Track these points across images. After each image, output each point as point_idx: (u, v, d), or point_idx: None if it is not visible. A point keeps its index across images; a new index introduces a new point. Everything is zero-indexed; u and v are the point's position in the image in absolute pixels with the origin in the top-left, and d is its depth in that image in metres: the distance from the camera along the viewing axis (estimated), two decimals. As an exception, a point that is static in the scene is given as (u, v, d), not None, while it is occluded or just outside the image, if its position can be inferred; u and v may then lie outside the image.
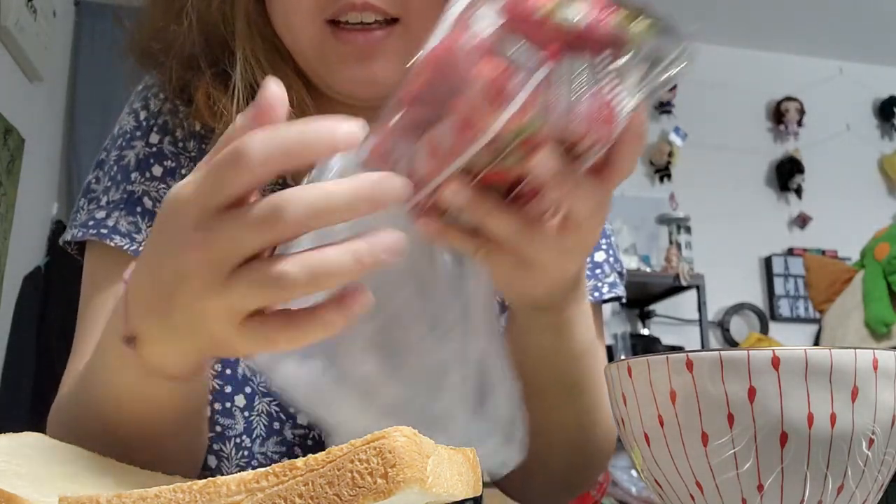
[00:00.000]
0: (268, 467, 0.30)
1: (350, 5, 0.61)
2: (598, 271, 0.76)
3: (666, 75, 0.41)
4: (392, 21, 0.63)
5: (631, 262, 3.29)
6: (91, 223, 0.71)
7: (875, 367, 0.37)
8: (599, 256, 0.78)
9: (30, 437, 0.49)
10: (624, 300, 0.79)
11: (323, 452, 0.30)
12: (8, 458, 0.42)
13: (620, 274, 0.79)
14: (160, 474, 0.46)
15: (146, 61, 0.73)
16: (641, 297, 3.48)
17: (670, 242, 3.50)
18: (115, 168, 0.73)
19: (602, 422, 0.66)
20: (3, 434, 0.47)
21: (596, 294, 0.75)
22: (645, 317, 3.57)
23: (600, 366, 0.65)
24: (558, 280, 0.51)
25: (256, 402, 0.69)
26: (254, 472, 0.30)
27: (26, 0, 2.46)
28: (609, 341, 3.25)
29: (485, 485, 0.54)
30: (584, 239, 0.48)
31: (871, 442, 0.37)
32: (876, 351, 0.37)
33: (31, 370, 2.42)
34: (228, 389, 0.69)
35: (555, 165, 0.42)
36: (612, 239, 0.80)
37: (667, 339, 3.46)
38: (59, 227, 2.87)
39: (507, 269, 0.49)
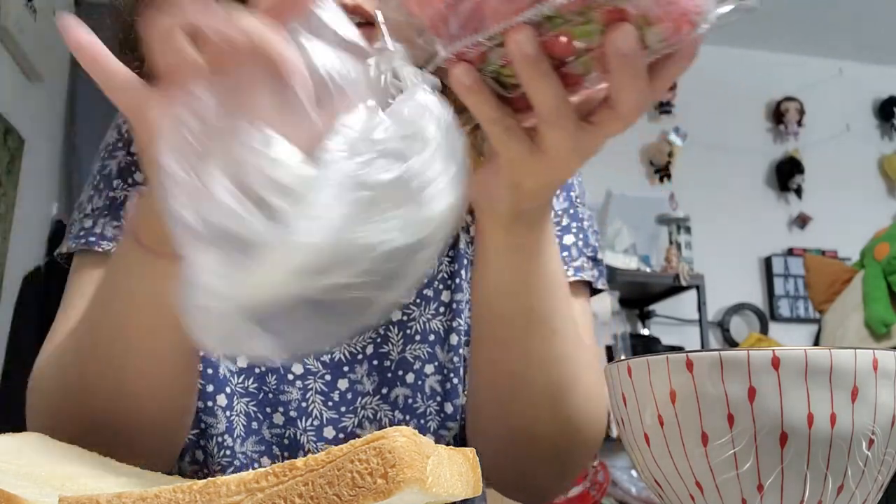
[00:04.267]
0: (267, 467, 0.30)
1: (340, 5, 0.61)
2: (564, 254, 0.75)
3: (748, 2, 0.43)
4: (372, 24, 0.63)
5: (631, 262, 3.29)
6: (81, 233, 0.73)
7: (875, 368, 0.37)
8: (568, 240, 0.77)
9: (30, 437, 0.49)
10: (600, 286, 0.77)
11: (323, 452, 0.30)
12: (8, 458, 0.42)
13: (593, 259, 0.77)
14: (160, 474, 0.46)
15: (125, 50, 0.73)
16: (641, 297, 3.48)
17: (670, 242, 3.50)
18: (99, 178, 0.76)
19: (581, 384, 0.64)
20: (3, 434, 0.48)
21: None
22: (645, 317, 3.57)
23: (576, 324, 0.64)
24: (550, 182, 0.52)
25: (235, 403, 0.71)
26: (254, 472, 0.30)
27: (26, 0, 2.46)
28: (609, 341, 3.25)
29: (485, 485, 0.54)
30: (597, 140, 0.48)
31: (870, 442, 0.37)
32: (876, 351, 0.37)
33: (32, 370, 2.42)
34: (210, 389, 0.71)
35: (632, 46, 0.42)
36: (587, 223, 0.79)
37: (667, 340, 3.46)
38: (59, 227, 2.86)
39: (519, 152, 0.48)
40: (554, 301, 0.61)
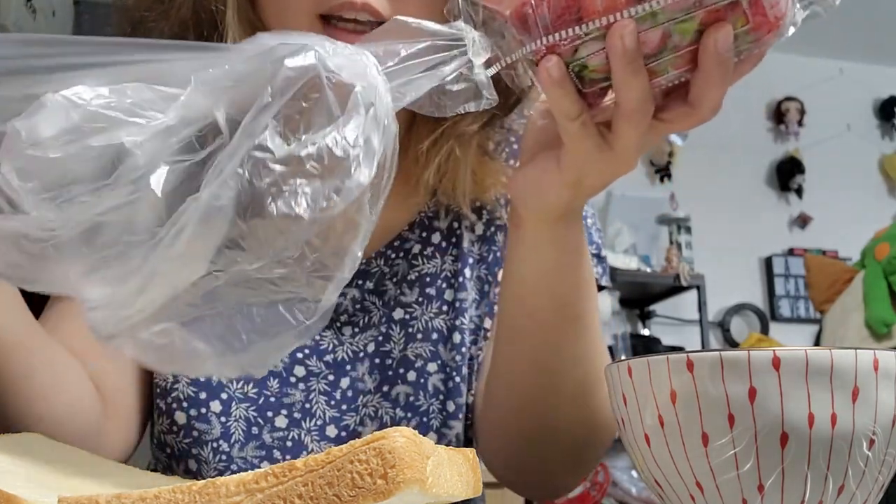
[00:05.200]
0: (267, 468, 0.30)
1: (349, 4, 0.60)
2: None
3: None
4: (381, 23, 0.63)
5: (631, 262, 3.29)
6: None
7: (875, 368, 0.37)
8: None
9: (30, 437, 0.49)
10: (604, 283, 0.77)
11: (323, 453, 0.30)
12: (8, 458, 0.42)
13: (597, 256, 0.77)
14: (160, 475, 0.46)
15: None
16: (642, 297, 3.48)
17: (670, 242, 3.50)
18: None
19: (604, 384, 0.65)
20: (3, 434, 0.48)
21: None
22: (645, 317, 3.57)
23: (600, 329, 0.65)
24: (610, 179, 0.53)
25: (233, 408, 0.71)
26: (253, 472, 0.30)
27: (26, 0, 2.46)
28: (609, 341, 3.24)
29: (486, 485, 0.54)
30: (659, 137, 0.49)
31: (871, 442, 0.37)
32: (876, 351, 0.37)
33: None
34: (203, 396, 0.70)
35: (730, 46, 0.43)
36: (590, 221, 0.78)
37: (667, 340, 3.45)
38: (59, 227, 2.86)
39: (588, 148, 0.49)
40: (586, 297, 0.61)
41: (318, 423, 0.72)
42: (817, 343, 3.15)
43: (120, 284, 0.39)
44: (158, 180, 0.38)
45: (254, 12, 0.67)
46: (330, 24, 0.62)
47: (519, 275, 0.60)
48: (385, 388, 0.73)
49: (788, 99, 3.97)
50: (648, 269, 3.36)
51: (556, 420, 0.64)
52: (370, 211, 0.42)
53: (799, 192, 3.90)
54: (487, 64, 0.47)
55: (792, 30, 0.44)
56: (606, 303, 3.08)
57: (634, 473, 2.86)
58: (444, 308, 0.74)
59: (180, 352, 0.42)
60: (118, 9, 0.71)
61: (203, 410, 0.70)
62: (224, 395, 0.71)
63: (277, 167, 0.39)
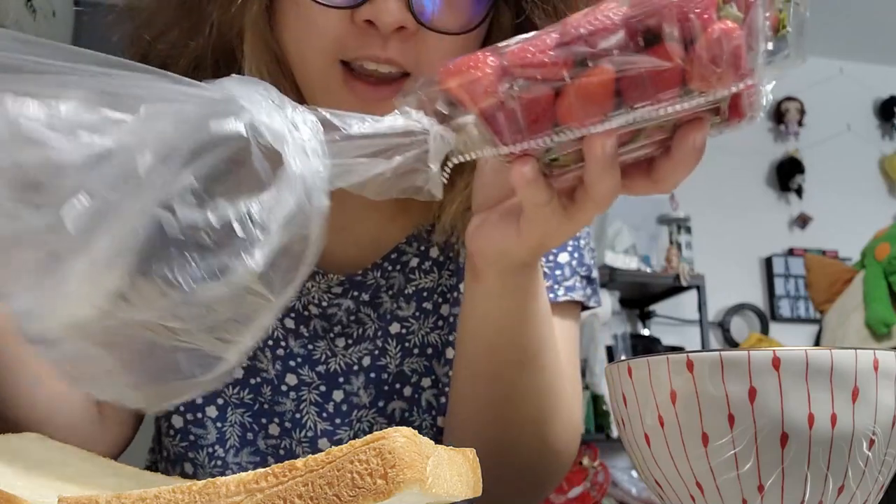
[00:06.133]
0: (267, 468, 0.30)
1: (374, 57, 0.59)
2: (557, 272, 0.74)
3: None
4: (403, 75, 0.61)
5: (631, 263, 3.29)
6: None
7: (875, 368, 0.37)
8: (562, 258, 0.75)
9: (30, 437, 0.49)
10: (592, 305, 0.76)
11: (323, 453, 0.30)
12: (8, 457, 0.42)
13: (587, 278, 0.76)
14: (159, 475, 0.46)
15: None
16: (641, 297, 3.48)
17: (670, 242, 3.50)
18: None
19: (562, 412, 0.65)
20: (3, 434, 0.48)
21: (550, 296, 0.71)
22: (645, 317, 3.57)
23: (559, 353, 0.64)
24: (568, 238, 0.52)
25: (229, 414, 0.71)
26: (253, 472, 0.30)
27: (25, 0, 2.46)
28: (609, 342, 3.24)
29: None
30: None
31: (871, 442, 0.37)
32: (876, 351, 0.37)
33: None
34: (199, 400, 0.70)
35: (705, 140, 0.43)
36: (583, 242, 0.77)
37: (667, 340, 3.45)
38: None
39: (556, 221, 0.48)
40: (544, 336, 0.61)
41: (309, 434, 0.71)
42: (817, 343, 3.15)
43: (32, 299, 0.38)
44: (74, 211, 0.37)
45: (271, 38, 0.64)
46: (352, 71, 0.60)
47: (479, 321, 0.59)
48: (381, 404, 0.72)
49: (788, 99, 3.96)
50: (648, 269, 3.36)
51: (510, 449, 0.64)
52: (276, 294, 0.40)
53: (799, 192, 3.90)
54: (445, 159, 0.45)
55: (758, 117, 0.43)
56: (606, 303, 3.08)
57: (634, 473, 2.86)
58: (440, 323, 0.73)
59: (91, 371, 0.41)
60: (130, 31, 0.67)
61: (199, 415, 0.70)
62: (220, 401, 0.70)
63: (172, 229, 0.37)
